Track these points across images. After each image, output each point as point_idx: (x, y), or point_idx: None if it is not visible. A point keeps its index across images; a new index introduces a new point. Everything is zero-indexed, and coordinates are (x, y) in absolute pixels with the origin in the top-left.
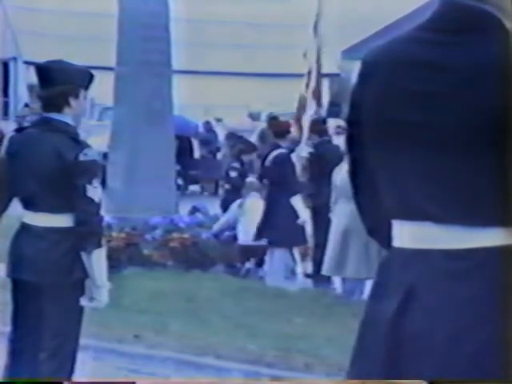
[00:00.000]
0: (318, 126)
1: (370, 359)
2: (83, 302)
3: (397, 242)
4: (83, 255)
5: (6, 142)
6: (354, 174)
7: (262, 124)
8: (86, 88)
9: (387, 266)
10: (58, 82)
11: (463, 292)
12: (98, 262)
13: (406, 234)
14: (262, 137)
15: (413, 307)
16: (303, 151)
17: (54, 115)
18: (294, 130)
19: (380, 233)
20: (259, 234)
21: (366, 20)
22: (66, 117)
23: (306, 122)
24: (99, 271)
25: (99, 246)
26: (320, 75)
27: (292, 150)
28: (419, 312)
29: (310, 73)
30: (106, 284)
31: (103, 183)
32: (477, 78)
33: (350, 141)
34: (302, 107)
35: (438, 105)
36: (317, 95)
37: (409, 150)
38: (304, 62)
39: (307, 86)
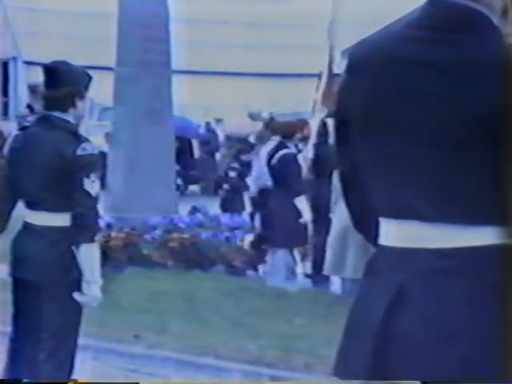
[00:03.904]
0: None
1: (357, 359)
2: (75, 295)
3: (384, 241)
4: (74, 249)
5: (9, 141)
6: (342, 170)
7: (260, 125)
8: (87, 89)
9: (374, 264)
10: (65, 83)
11: (451, 291)
12: (87, 256)
13: (394, 233)
14: (260, 138)
15: (401, 307)
16: (310, 152)
17: (56, 113)
18: (306, 132)
19: (366, 228)
20: (262, 233)
21: (379, 20)
22: (67, 115)
23: (314, 123)
24: (89, 266)
25: (91, 240)
26: (332, 76)
27: (300, 151)
28: (408, 311)
29: (320, 75)
30: (98, 280)
31: (102, 179)
32: (466, 76)
33: (338, 137)
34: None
35: (426, 103)
36: (328, 97)
37: (396, 148)
38: (312, 62)
39: (317, 88)
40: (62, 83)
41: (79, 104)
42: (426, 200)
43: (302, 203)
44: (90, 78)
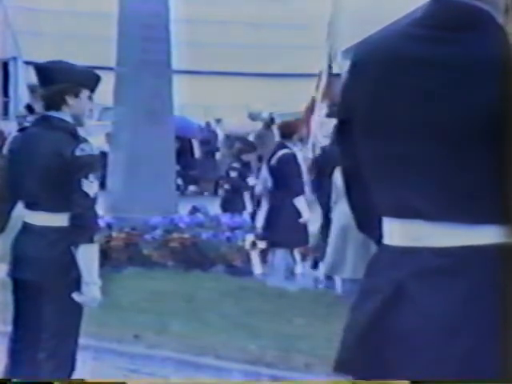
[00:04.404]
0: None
1: (357, 358)
2: (74, 295)
3: (386, 240)
4: (73, 250)
5: (9, 141)
6: (344, 169)
7: (260, 125)
8: (92, 90)
9: (377, 263)
10: (56, 81)
11: (452, 290)
12: (86, 257)
13: (396, 232)
14: (259, 138)
15: (402, 305)
16: (309, 152)
17: (53, 113)
18: (302, 131)
19: (370, 228)
20: (261, 233)
21: (379, 19)
22: (64, 114)
23: (314, 123)
24: (88, 267)
25: (90, 241)
26: (331, 76)
27: (300, 151)
28: (408, 310)
29: (320, 74)
30: (96, 281)
31: (102, 182)
32: (469, 75)
33: (341, 136)
34: (310, 108)
35: (429, 102)
36: (329, 96)
37: (398, 147)
38: (312, 61)
39: (317, 87)
40: (54, 81)
41: (72, 102)
42: (427, 199)
43: (302, 203)
44: (95, 77)
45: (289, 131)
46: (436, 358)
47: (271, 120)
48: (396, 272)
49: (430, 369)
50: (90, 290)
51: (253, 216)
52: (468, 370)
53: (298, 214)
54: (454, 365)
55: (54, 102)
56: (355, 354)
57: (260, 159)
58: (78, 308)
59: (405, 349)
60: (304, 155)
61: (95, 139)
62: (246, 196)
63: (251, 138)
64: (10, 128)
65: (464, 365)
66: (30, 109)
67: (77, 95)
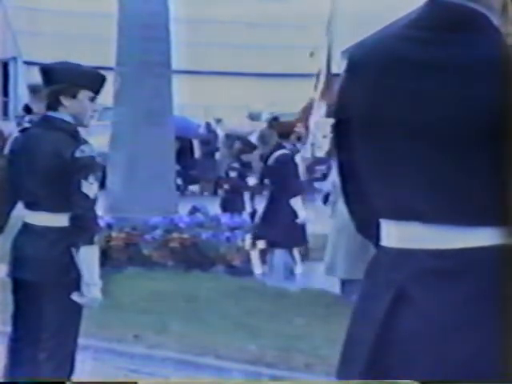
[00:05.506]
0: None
1: (359, 359)
2: (73, 296)
3: (385, 242)
4: (74, 251)
5: (10, 142)
6: (341, 171)
7: (262, 125)
8: (96, 91)
9: (375, 265)
10: (56, 82)
11: (451, 292)
12: (87, 258)
13: (394, 234)
14: (263, 138)
15: (402, 308)
16: (307, 152)
17: (52, 114)
18: (300, 131)
19: (368, 230)
20: (260, 234)
21: (377, 20)
22: (64, 115)
23: (312, 123)
24: (89, 268)
25: (90, 242)
26: (330, 75)
27: (298, 151)
28: (408, 312)
29: (318, 74)
30: (97, 282)
31: (102, 182)
32: (465, 76)
33: (338, 138)
34: (308, 108)
35: (426, 103)
36: (327, 96)
37: (396, 149)
38: (311, 62)
39: (316, 87)
40: (53, 82)
41: (69, 103)
42: (425, 201)
43: (298, 203)
44: (99, 77)
45: (285, 131)
46: (437, 360)
47: (275, 119)
48: (394, 274)
49: (431, 371)
50: (91, 291)
51: (252, 216)
52: (469, 371)
53: (296, 214)
54: (455, 367)
55: (51, 102)
56: (358, 357)
57: (262, 159)
58: (77, 308)
59: (407, 351)
60: (302, 155)
61: (98, 139)
62: (246, 196)
63: (254, 137)
64: (10, 128)
65: (465, 367)
66: (27, 109)
67: (74, 96)
